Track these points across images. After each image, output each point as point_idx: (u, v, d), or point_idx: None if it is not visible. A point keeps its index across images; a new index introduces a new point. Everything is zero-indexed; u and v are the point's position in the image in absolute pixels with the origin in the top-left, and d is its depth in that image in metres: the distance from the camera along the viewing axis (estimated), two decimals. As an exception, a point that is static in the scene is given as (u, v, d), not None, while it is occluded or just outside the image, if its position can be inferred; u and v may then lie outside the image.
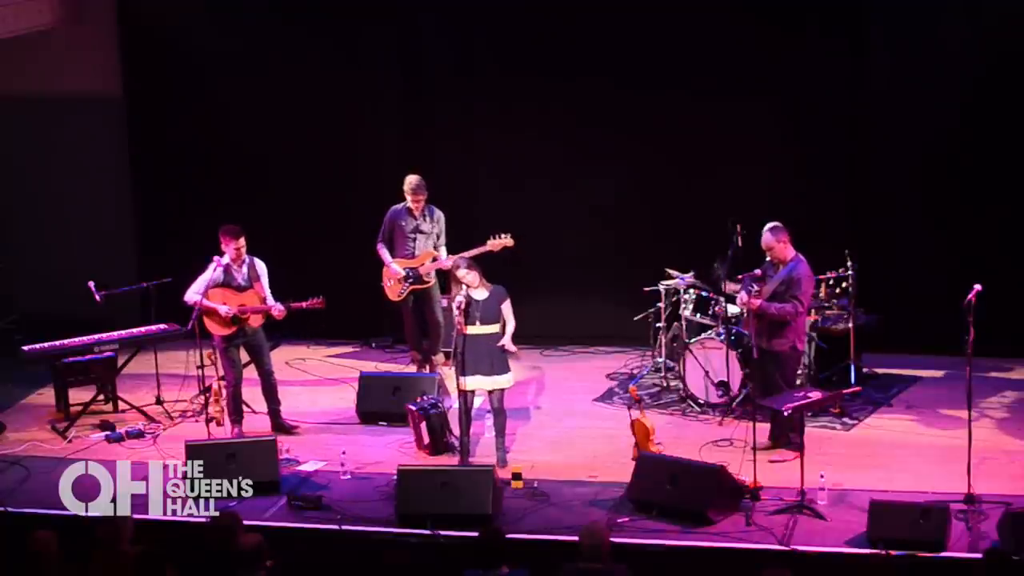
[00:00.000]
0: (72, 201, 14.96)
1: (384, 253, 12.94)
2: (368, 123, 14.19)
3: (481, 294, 10.89)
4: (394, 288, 12.99)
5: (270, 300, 11.67)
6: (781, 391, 10.87)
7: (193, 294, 11.57)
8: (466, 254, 12.62)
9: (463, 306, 10.85)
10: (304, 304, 11.77)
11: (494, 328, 10.89)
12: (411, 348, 13.34)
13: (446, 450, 11.40)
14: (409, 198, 12.82)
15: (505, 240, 12.74)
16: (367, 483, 10.89)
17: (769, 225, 11.17)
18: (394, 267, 12.90)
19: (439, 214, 12.95)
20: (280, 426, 11.88)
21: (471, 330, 10.86)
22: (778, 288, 11.09)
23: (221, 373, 11.86)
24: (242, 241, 11.56)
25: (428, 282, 12.97)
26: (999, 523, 9.50)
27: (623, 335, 13.63)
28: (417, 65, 14.12)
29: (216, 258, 11.60)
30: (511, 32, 13.77)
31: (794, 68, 13.23)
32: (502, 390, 11.02)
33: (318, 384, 13.28)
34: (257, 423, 12.00)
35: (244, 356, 11.95)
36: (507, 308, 10.94)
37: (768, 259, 11.26)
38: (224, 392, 11.90)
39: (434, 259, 12.88)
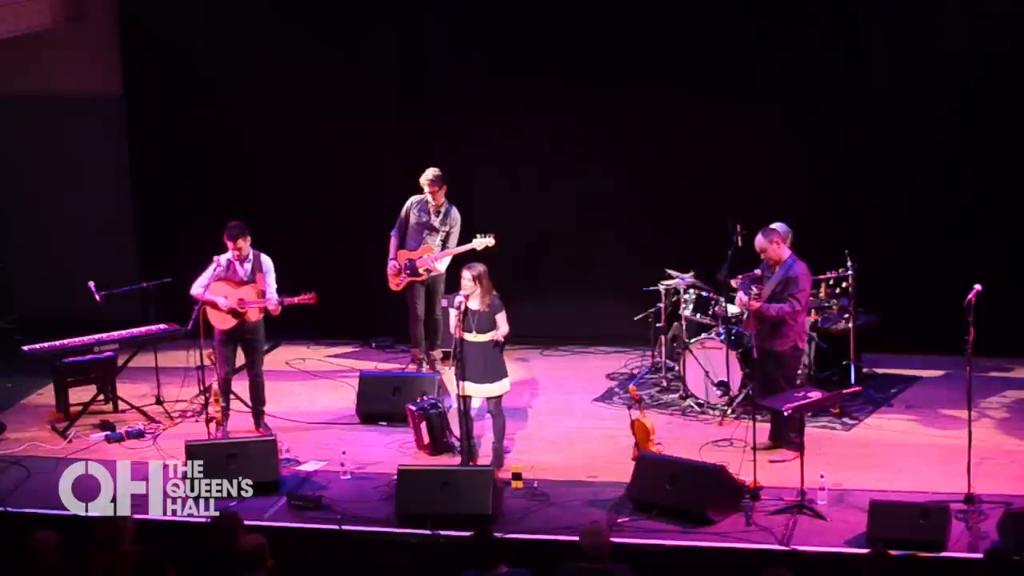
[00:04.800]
0: (72, 201, 14.97)
1: (392, 244, 12.98)
2: (368, 123, 14.18)
3: (477, 305, 10.87)
4: (392, 279, 13.01)
5: (271, 295, 11.68)
6: (783, 391, 10.87)
7: (197, 287, 11.60)
8: (449, 252, 12.63)
9: (462, 307, 10.85)
10: (296, 299, 11.78)
11: (486, 337, 10.88)
12: (412, 346, 13.34)
13: (446, 450, 11.40)
14: (428, 191, 12.80)
15: (487, 240, 12.74)
16: (367, 483, 10.89)
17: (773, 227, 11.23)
18: (391, 262, 12.92)
19: (455, 215, 12.94)
20: (259, 426, 11.87)
21: (467, 337, 10.87)
22: (776, 289, 11.09)
23: (227, 370, 11.84)
24: (240, 243, 11.56)
25: (422, 275, 12.97)
26: (999, 523, 9.51)
27: (623, 335, 13.62)
28: (417, 65, 14.12)
29: (216, 258, 11.62)
30: (511, 32, 13.75)
31: (794, 68, 13.23)
32: (497, 397, 11.01)
33: (318, 382, 13.28)
34: (248, 422, 12.00)
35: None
36: (501, 318, 10.92)
37: (763, 260, 11.26)
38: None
39: (431, 255, 12.90)
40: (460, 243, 12.91)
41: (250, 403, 11.97)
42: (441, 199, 12.88)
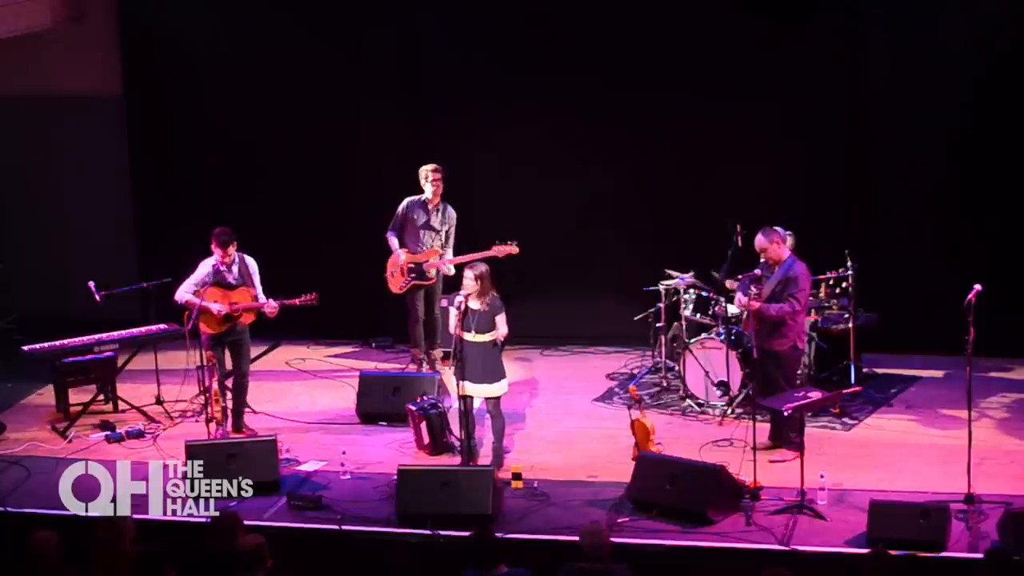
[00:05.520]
0: (72, 201, 14.97)
1: (393, 241, 12.92)
2: (368, 123, 14.18)
3: (477, 305, 10.87)
4: (396, 280, 12.97)
5: (262, 298, 11.66)
6: (782, 391, 10.87)
7: (184, 293, 11.58)
8: (469, 257, 12.59)
9: (462, 307, 10.84)
10: (297, 301, 11.75)
11: (486, 338, 10.88)
12: (411, 344, 13.33)
13: (446, 450, 11.40)
14: (431, 187, 12.74)
15: (510, 247, 12.69)
16: (367, 483, 10.89)
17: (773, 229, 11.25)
18: (401, 254, 12.86)
19: (452, 213, 12.94)
20: (239, 427, 11.83)
21: (466, 337, 10.87)
22: (775, 288, 11.09)
23: (218, 373, 11.83)
24: (230, 249, 11.53)
25: (431, 279, 12.96)
26: (999, 523, 9.51)
27: (623, 335, 13.62)
28: (417, 65, 14.12)
29: (214, 263, 11.59)
30: (511, 32, 13.76)
31: (794, 68, 13.23)
32: (496, 397, 11.01)
33: (318, 382, 13.28)
34: (254, 422, 12.01)
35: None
36: (500, 319, 10.91)
37: (763, 260, 11.26)
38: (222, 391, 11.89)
39: (440, 257, 12.86)
40: (460, 244, 12.90)
41: (232, 402, 11.90)
42: (440, 189, 12.84)
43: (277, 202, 14.25)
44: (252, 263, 11.75)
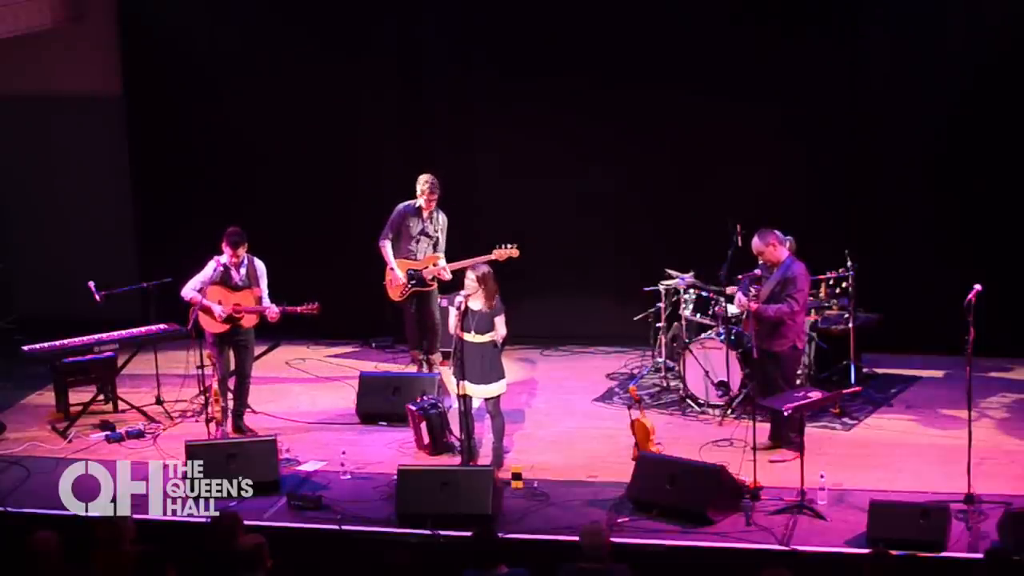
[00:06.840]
0: (72, 201, 14.97)
1: (387, 252, 12.88)
2: (368, 123, 14.18)
3: (477, 305, 10.87)
4: (396, 289, 12.96)
5: (266, 301, 11.66)
6: (781, 391, 10.87)
7: (190, 290, 11.60)
8: (470, 262, 12.57)
9: (462, 307, 10.84)
10: (299, 309, 11.77)
11: (486, 338, 10.88)
12: (411, 347, 13.33)
13: (446, 450, 11.40)
14: (424, 197, 12.74)
15: (511, 251, 12.68)
16: (367, 483, 10.89)
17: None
18: (398, 272, 12.86)
19: (443, 218, 12.91)
20: (239, 428, 11.83)
21: (466, 337, 10.87)
22: (775, 289, 11.10)
23: (219, 373, 11.83)
24: (241, 251, 11.55)
25: (431, 286, 12.95)
26: (999, 523, 9.51)
27: (623, 335, 13.62)
28: (417, 64, 14.12)
29: (216, 258, 11.62)
30: (511, 33, 13.76)
31: (794, 68, 13.23)
32: (496, 397, 11.01)
33: (318, 382, 13.28)
34: (254, 422, 12.02)
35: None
36: (500, 320, 10.90)
37: (761, 262, 11.26)
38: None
39: (438, 265, 12.82)
40: (459, 245, 12.88)
41: (233, 402, 11.89)
42: (435, 204, 12.82)
43: (277, 202, 14.25)
44: (261, 266, 11.76)
